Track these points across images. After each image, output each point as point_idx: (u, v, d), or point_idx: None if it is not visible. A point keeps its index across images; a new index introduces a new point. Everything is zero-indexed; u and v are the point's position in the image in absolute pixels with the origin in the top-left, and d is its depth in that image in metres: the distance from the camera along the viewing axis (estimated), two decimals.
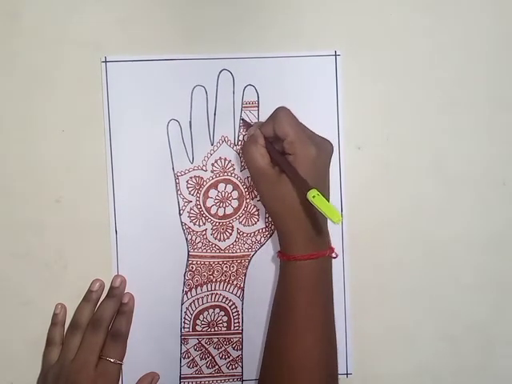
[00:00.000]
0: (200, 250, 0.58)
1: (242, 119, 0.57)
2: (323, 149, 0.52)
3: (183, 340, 0.58)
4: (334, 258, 0.54)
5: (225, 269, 0.58)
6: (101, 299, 0.57)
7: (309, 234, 0.51)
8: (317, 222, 0.51)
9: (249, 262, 0.58)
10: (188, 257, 0.57)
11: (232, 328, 0.58)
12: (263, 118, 0.57)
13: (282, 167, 0.51)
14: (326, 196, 0.52)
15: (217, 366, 0.58)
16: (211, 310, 0.58)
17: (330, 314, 0.53)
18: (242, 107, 0.57)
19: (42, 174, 0.57)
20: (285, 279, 0.53)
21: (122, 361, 0.55)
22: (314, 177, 0.50)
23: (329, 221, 0.53)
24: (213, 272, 0.58)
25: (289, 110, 0.52)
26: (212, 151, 0.57)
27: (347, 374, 0.58)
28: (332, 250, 0.53)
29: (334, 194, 0.56)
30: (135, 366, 0.57)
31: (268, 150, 0.51)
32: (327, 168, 0.53)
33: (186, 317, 0.58)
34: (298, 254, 0.51)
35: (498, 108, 0.58)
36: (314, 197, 0.46)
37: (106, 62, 0.56)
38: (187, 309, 0.58)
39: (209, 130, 0.57)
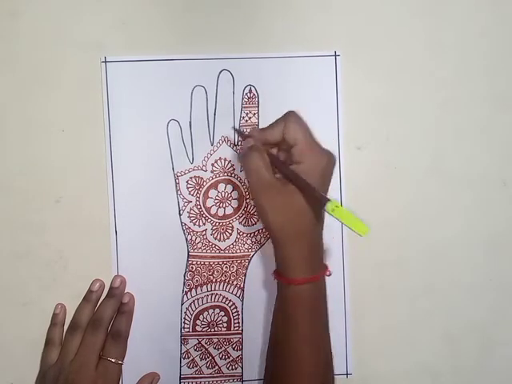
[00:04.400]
0: (200, 250, 0.58)
1: (236, 129, 0.56)
2: (330, 159, 0.49)
3: (183, 340, 0.58)
4: (328, 275, 0.51)
5: (225, 269, 0.58)
6: (101, 299, 0.57)
7: (309, 252, 0.49)
8: (319, 240, 0.49)
9: (249, 262, 0.58)
10: (188, 257, 0.57)
11: (232, 328, 0.58)
12: (263, 118, 0.57)
13: (290, 178, 0.47)
14: None
15: (217, 367, 0.58)
16: (211, 311, 0.58)
17: (328, 336, 0.51)
18: (242, 107, 0.57)
19: (42, 173, 0.57)
20: (284, 302, 0.50)
21: (122, 361, 0.55)
22: (321, 188, 0.47)
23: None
24: (213, 272, 0.58)
25: (299, 115, 0.49)
26: (212, 151, 0.57)
27: (347, 374, 0.58)
28: (327, 268, 0.51)
29: (335, 194, 0.56)
30: (135, 366, 0.57)
31: (271, 159, 0.48)
32: (331, 179, 0.50)
33: (186, 317, 0.58)
34: (298, 278, 0.49)
35: (498, 108, 0.58)
36: (333, 210, 0.44)
37: (105, 62, 0.56)
38: (187, 309, 0.58)
39: (209, 130, 0.57)
